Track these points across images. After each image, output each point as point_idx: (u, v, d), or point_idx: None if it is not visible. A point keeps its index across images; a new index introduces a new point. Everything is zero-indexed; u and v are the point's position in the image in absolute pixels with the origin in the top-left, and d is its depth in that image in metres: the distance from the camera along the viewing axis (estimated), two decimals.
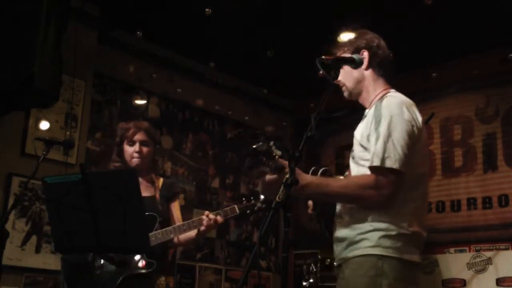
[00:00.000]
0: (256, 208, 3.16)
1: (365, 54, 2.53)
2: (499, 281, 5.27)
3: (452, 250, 5.64)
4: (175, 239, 3.25)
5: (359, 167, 2.43)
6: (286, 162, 2.12)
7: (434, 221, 5.74)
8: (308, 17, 5.22)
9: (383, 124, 2.30)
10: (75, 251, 2.84)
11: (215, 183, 6.51)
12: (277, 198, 2.02)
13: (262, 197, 3.19)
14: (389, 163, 2.24)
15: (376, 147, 2.29)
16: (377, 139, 2.29)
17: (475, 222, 5.57)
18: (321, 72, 2.31)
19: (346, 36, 5.56)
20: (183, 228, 3.11)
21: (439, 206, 5.80)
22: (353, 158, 2.50)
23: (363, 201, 2.31)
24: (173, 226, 3.13)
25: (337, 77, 2.35)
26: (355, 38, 2.58)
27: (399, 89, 2.63)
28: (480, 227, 5.54)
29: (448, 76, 5.94)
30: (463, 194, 5.70)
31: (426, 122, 5.48)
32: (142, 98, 5.92)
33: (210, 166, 6.48)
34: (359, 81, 2.54)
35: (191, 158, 6.28)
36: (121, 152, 3.27)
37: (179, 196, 3.42)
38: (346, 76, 2.55)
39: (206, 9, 5.04)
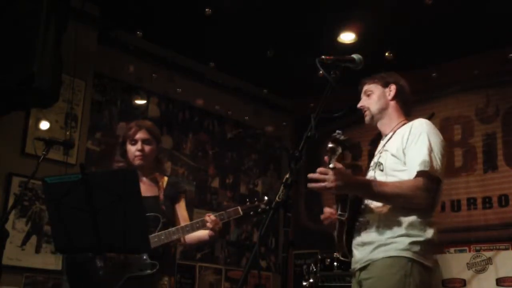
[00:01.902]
0: (259, 209, 3.17)
1: (393, 87, 2.79)
2: (499, 281, 5.27)
3: (452, 250, 5.64)
4: (183, 240, 3.24)
5: (388, 177, 2.56)
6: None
7: None
8: (308, 17, 5.22)
9: (424, 138, 2.54)
10: (75, 251, 2.84)
11: (215, 183, 6.51)
12: (277, 198, 2.03)
13: (265, 198, 3.20)
14: (434, 171, 2.47)
15: (422, 156, 2.48)
16: (421, 149, 2.50)
17: (475, 222, 5.57)
18: (321, 72, 2.32)
19: (346, 36, 5.58)
20: (186, 229, 3.11)
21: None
22: (381, 170, 2.62)
23: (413, 201, 2.44)
24: (177, 227, 3.12)
25: (337, 78, 2.35)
26: (385, 74, 2.86)
27: None
28: (480, 227, 5.54)
29: (448, 76, 5.94)
30: (463, 194, 5.70)
31: None
32: (142, 98, 5.92)
33: (210, 166, 6.48)
34: (384, 109, 2.78)
35: (191, 158, 6.28)
36: (124, 152, 3.25)
37: (184, 195, 3.39)
38: (372, 102, 2.79)
39: (206, 9, 5.03)
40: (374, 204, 2.55)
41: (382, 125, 2.81)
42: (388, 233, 2.46)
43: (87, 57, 5.06)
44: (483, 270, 5.41)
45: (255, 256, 2.01)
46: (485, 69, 5.73)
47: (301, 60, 5.31)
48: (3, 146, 4.56)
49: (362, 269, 2.52)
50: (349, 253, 2.64)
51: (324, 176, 2.34)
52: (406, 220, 2.45)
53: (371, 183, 2.47)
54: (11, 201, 4.41)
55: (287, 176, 2.06)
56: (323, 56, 2.37)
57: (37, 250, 4.61)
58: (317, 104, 2.23)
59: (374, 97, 2.79)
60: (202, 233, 3.22)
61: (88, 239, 2.37)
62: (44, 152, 3.47)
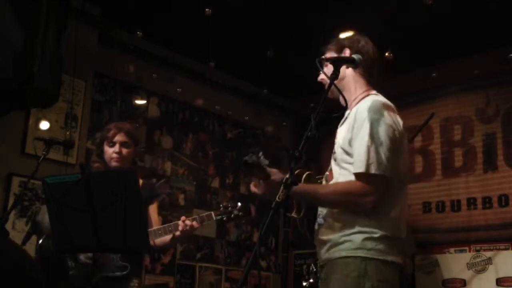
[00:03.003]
0: (232, 215, 3.16)
1: (347, 52, 2.52)
2: (499, 281, 5.27)
3: (452, 250, 5.64)
4: (152, 243, 3.22)
5: (341, 169, 2.45)
6: (274, 170, 2.22)
7: (434, 221, 5.75)
8: (307, 16, 5.22)
9: (365, 130, 2.31)
10: (75, 251, 2.84)
11: (215, 183, 6.51)
12: (277, 198, 2.03)
13: (239, 204, 3.19)
14: (373, 169, 2.27)
15: (359, 153, 2.31)
16: (360, 145, 2.31)
17: (475, 222, 5.57)
18: (321, 72, 2.32)
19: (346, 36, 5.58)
20: (158, 233, 3.09)
21: (439, 206, 5.80)
22: (335, 160, 2.52)
23: (350, 207, 2.35)
24: (149, 230, 3.10)
25: (337, 78, 2.34)
26: (344, 37, 2.61)
27: (399, 89, 2.64)
28: (480, 227, 5.54)
29: (448, 76, 5.93)
30: (463, 194, 5.70)
31: (426, 122, 5.53)
32: (142, 98, 5.92)
33: (210, 166, 6.48)
34: (341, 79, 2.46)
35: (191, 158, 6.28)
36: (101, 153, 3.26)
37: (159, 199, 3.38)
38: (327, 72, 2.44)
39: (206, 9, 5.03)
40: None
41: (343, 100, 2.48)
42: (342, 231, 2.34)
43: (87, 57, 5.06)
44: (483, 270, 5.40)
45: (255, 256, 2.01)
46: (485, 69, 5.72)
47: (301, 60, 5.31)
48: (3, 146, 4.56)
49: (321, 267, 2.46)
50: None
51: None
52: (360, 216, 2.31)
53: (303, 190, 2.34)
54: (11, 201, 4.41)
55: (287, 176, 2.05)
56: (323, 56, 2.35)
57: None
58: (317, 104, 2.22)
59: (330, 67, 2.40)
60: (167, 236, 3.17)
61: (88, 239, 2.37)
62: (44, 152, 3.47)
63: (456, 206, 5.73)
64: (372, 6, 5.00)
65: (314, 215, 2.54)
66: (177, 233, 3.08)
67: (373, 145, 2.27)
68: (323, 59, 2.37)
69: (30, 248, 4.52)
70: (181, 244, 5.82)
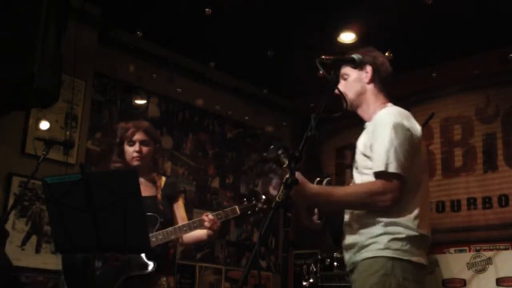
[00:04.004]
0: (257, 208, 3.17)
1: (369, 69, 2.59)
2: (499, 281, 5.27)
3: (452, 250, 5.64)
4: (181, 240, 3.24)
5: (362, 176, 2.50)
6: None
7: (434, 221, 5.73)
8: (308, 17, 5.22)
9: (384, 132, 2.39)
10: (75, 251, 2.84)
11: (215, 183, 6.51)
12: (277, 198, 2.03)
13: (263, 197, 3.19)
14: (392, 168, 2.33)
15: (379, 153, 2.38)
16: (380, 146, 2.38)
17: (475, 222, 5.57)
18: (321, 72, 2.32)
19: (346, 36, 5.58)
20: (183, 229, 3.11)
21: (439, 206, 5.80)
22: (356, 168, 2.57)
23: (370, 206, 2.39)
24: (174, 227, 3.12)
25: (337, 78, 2.35)
26: (361, 53, 2.62)
27: (399, 89, 2.66)
28: (480, 227, 5.54)
29: (448, 76, 5.93)
30: (463, 194, 5.70)
31: (426, 122, 5.52)
32: (142, 98, 5.93)
33: (210, 166, 6.48)
34: (361, 94, 2.60)
35: (191, 158, 6.28)
36: (121, 153, 3.26)
37: (182, 195, 3.40)
38: (348, 87, 2.60)
39: (206, 9, 5.04)
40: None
41: (362, 112, 2.63)
42: (368, 234, 2.40)
43: (87, 57, 5.06)
44: (483, 270, 5.40)
45: (255, 256, 2.01)
46: (485, 69, 5.72)
47: (301, 60, 5.31)
48: (3, 146, 4.56)
49: (351, 271, 2.51)
50: None
51: None
52: (384, 219, 2.38)
53: (325, 193, 2.40)
54: (11, 201, 4.41)
55: (287, 176, 2.05)
56: (323, 56, 2.36)
57: (37, 250, 4.61)
58: (317, 104, 2.22)
59: (350, 81, 2.59)
60: (200, 233, 3.21)
61: (88, 239, 2.37)
62: (44, 152, 3.48)
63: (456, 206, 5.73)
64: (372, 6, 5.00)
65: (338, 221, 2.58)
66: (209, 232, 3.12)
67: (392, 146, 2.36)
68: (323, 59, 2.37)
69: (30, 248, 4.55)
70: (213, 240, 5.79)
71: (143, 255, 2.99)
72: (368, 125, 2.57)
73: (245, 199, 3.23)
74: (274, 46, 5.67)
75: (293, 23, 5.35)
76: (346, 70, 2.64)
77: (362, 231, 2.43)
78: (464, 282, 5.48)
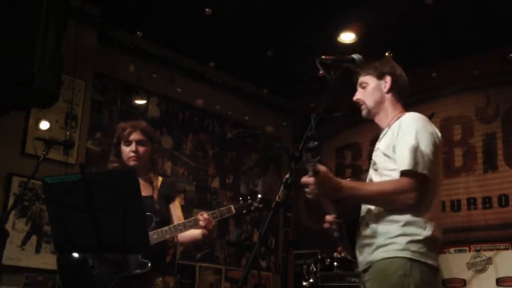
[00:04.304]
0: (252, 208, 3.16)
1: (388, 79, 2.69)
2: (499, 281, 5.27)
3: (452, 250, 5.64)
4: (176, 239, 3.24)
5: (382, 177, 2.53)
6: (323, 167, 2.24)
7: None
8: (308, 17, 5.22)
9: (410, 134, 2.46)
10: (75, 251, 2.84)
11: (215, 183, 6.51)
12: (277, 198, 2.03)
13: (259, 196, 3.19)
14: (419, 169, 2.39)
15: (406, 153, 2.42)
16: (406, 146, 2.44)
17: (475, 222, 5.57)
18: (321, 72, 2.33)
19: (346, 36, 5.58)
20: (178, 228, 3.10)
21: None
22: (375, 170, 2.60)
23: (394, 203, 2.42)
24: (169, 226, 3.11)
25: (337, 78, 2.35)
26: (380, 63, 2.74)
27: None
28: (480, 227, 5.54)
29: (448, 76, 5.94)
30: (463, 194, 5.70)
31: None
32: (142, 98, 5.93)
33: (210, 166, 6.48)
34: (380, 103, 2.69)
35: (191, 158, 6.28)
36: (118, 153, 3.25)
37: (180, 195, 3.39)
38: (367, 95, 2.69)
39: (206, 9, 5.04)
40: (371, 205, 2.54)
41: (379, 120, 2.72)
42: (386, 234, 2.43)
43: (87, 57, 5.06)
44: (483, 270, 5.41)
45: (255, 256, 2.01)
46: (485, 69, 5.73)
47: (301, 60, 5.31)
48: (3, 146, 4.56)
49: (365, 271, 2.52)
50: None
51: (306, 185, 2.29)
52: (403, 219, 2.41)
53: (350, 187, 2.40)
54: (11, 201, 4.41)
55: (287, 176, 2.06)
56: (323, 56, 2.36)
57: (37, 250, 4.61)
58: (317, 104, 2.23)
59: (369, 90, 2.69)
60: (195, 232, 3.19)
61: (88, 239, 2.37)
62: (44, 152, 3.47)
63: (456, 206, 5.73)
64: (372, 6, 5.00)
65: (354, 220, 2.60)
66: (204, 231, 3.10)
67: (418, 147, 2.42)
68: (323, 59, 2.37)
69: (30, 248, 4.55)
70: (209, 240, 5.78)
71: (140, 254, 2.98)
72: (387, 131, 2.63)
73: (241, 198, 3.23)
74: (274, 46, 5.67)
75: (293, 23, 5.36)
76: (365, 79, 2.72)
77: (379, 231, 2.46)
78: (464, 282, 5.48)
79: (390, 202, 2.42)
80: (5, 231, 3.73)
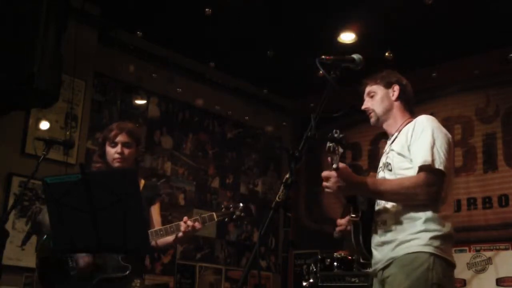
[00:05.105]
0: (234, 216, 3.18)
1: (396, 88, 2.80)
2: (499, 281, 5.27)
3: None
4: (153, 243, 3.21)
5: (397, 176, 2.59)
6: (343, 164, 2.34)
7: None
8: (307, 17, 5.22)
9: (426, 133, 2.57)
10: (75, 251, 2.84)
11: (215, 183, 6.51)
12: (277, 198, 2.03)
13: (241, 205, 3.20)
14: (437, 165, 2.48)
15: (423, 151, 2.52)
16: (423, 144, 2.54)
17: (475, 222, 5.57)
18: (321, 72, 2.33)
19: (346, 36, 5.58)
20: (160, 233, 3.07)
21: None
22: (390, 170, 2.65)
23: (415, 198, 2.47)
24: (150, 231, 3.08)
25: (337, 78, 2.35)
26: (386, 74, 2.85)
27: None
28: (480, 227, 5.54)
29: (448, 76, 5.94)
30: (463, 194, 5.70)
31: None
32: (142, 98, 5.93)
33: (210, 166, 6.48)
34: (389, 110, 2.80)
35: (191, 158, 6.28)
36: (103, 153, 3.24)
37: (161, 199, 3.38)
38: (376, 104, 2.80)
39: (206, 9, 5.04)
40: (389, 203, 2.58)
41: (388, 126, 2.82)
42: (408, 230, 2.48)
43: (87, 57, 5.06)
44: (483, 270, 5.41)
45: (255, 256, 2.01)
46: (485, 69, 5.73)
47: (301, 60, 5.31)
48: (3, 146, 4.56)
49: (385, 268, 2.54)
50: (369, 254, 2.65)
51: (327, 179, 2.35)
52: (423, 215, 2.48)
53: (372, 182, 2.48)
54: (11, 201, 4.41)
55: (287, 176, 2.05)
56: (323, 56, 2.37)
57: (37, 250, 4.60)
58: (317, 104, 2.23)
59: (378, 99, 2.80)
60: (170, 237, 3.15)
61: (88, 239, 2.37)
62: (44, 152, 3.47)
63: (456, 206, 5.72)
64: (372, 6, 5.00)
65: (368, 218, 2.65)
66: (180, 234, 3.07)
67: (435, 146, 2.53)
68: (323, 59, 2.37)
69: (30, 248, 4.54)
70: (182, 244, 5.82)
71: (119, 257, 2.98)
72: (398, 134, 2.72)
73: (223, 206, 3.24)
74: (274, 46, 5.67)
75: (293, 23, 5.36)
76: (373, 88, 2.82)
77: (400, 227, 2.51)
78: (464, 282, 5.48)
79: (411, 196, 2.47)
80: (5, 231, 3.72)
